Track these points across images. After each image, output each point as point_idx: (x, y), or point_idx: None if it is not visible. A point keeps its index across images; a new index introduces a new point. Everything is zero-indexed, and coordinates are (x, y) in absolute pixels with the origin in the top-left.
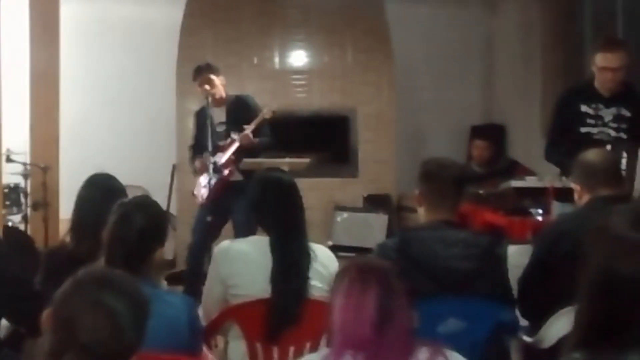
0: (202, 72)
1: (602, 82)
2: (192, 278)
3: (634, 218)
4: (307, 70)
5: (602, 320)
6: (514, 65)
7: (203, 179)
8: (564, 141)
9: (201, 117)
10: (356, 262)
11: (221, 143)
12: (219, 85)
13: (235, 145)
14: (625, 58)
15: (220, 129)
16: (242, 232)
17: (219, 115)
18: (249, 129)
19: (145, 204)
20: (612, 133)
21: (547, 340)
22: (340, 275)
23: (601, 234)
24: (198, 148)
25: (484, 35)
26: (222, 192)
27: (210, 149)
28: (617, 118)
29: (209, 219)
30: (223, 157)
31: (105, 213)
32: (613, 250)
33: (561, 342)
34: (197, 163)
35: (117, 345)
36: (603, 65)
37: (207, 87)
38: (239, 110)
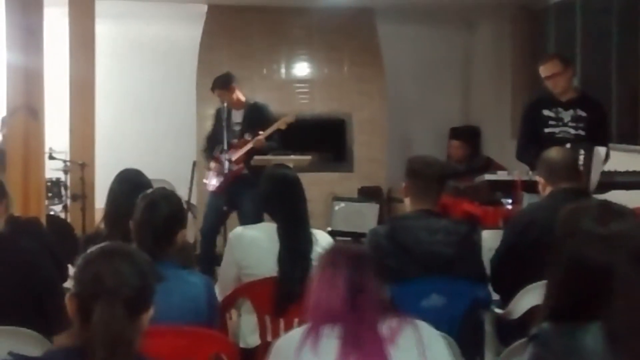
0: (216, 86)
1: (551, 89)
2: (207, 258)
3: (599, 215)
4: (309, 81)
5: (569, 298)
6: (488, 76)
7: (214, 172)
8: (532, 143)
9: (221, 114)
10: (332, 248)
11: (235, 141)
12: (233, 94)
13: (249, 146)
14: (558, 65)
15: (236, 128)
16: (249, 219)
17: (236, 116)
18: (263, 135)
19: (166, 194)
20: (572, 131)
21: (516, 312)
22: (319, 260)
23: (572, 227)
24: (213, 142)
25: (462, 50)
26: (232, 184)
27: (225, 146)
28: (575, 118)
29: (225, 208)
30: (235, 155)
31: (134, 203)
32: (582, 241)
33: (528, 314)
34: (213, 163)
35: (140, 287)
36: (542, 76)
37: (224, 99)
38: (255, 116)
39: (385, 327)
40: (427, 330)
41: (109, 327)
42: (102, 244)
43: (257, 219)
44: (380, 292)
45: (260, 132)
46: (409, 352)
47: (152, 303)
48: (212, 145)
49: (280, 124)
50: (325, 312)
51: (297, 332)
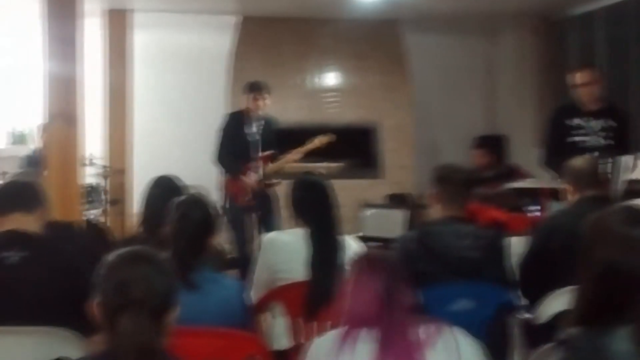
0: (262, 89)
1: (582, 97)
2: (244, 265)
3: (627, 217)
4: (338, 89)
5: (598, 303)
6: (512, 85)
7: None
8: (558, 150)
9: (238, 122)
10: (366, 255)
11: (261, 154)
12: (268, 104)
13: (283, 162)
14: (592, 74)
15: (253, 139)
16: (272, 223)
17: (251, 126)
18: (301, 153)
19: (198, 201)
20: (602, 141)
21: (544, 317)
22: (352, 266)
23: (601, 230)
24: (238, 152)
25: (486, 59)
26: (258, 193)
27: (259, 157)
28: (605, 128)
29: (254, 215)
30: (268, 169)
31: (169, 208)
32: (615, 246)
33: (555, 318)
34: (246, 178)
35: (165, 292)
36: (577, 83)
37: (260, 103)
38: (270, 130)
39: (422, 331)
40: (463, 337)
41: (136, 339)
42: (123, 250)
43: (276, 224)
44: (412, 298)
45: (295, 151)
46: (445, 356)
47: (177, 302)
48: (228, 155)
49: (318, 143)
50: (361, 317)
51: (331, 335)
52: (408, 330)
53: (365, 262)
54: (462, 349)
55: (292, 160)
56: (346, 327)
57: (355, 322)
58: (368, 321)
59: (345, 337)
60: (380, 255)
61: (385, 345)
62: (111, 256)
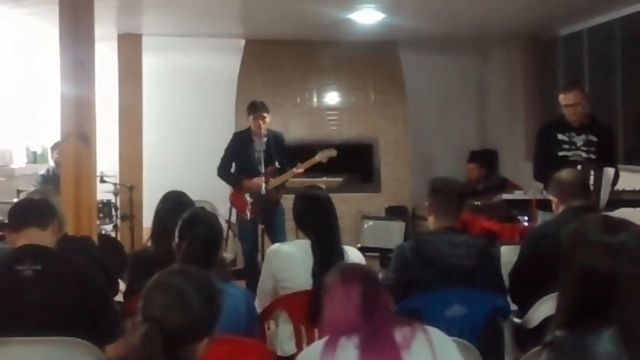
0: (259, 109)
1: (568, 116)
2: (251, 275)
3: (602, 225)
4: (338, 108)
5: (580, 306)
6: (503, 102)
7: (249, 197)
8: (546, 164)
9: (244, 141)
10: (338, 267)
11: (269, 168)
12: (268, 121)
13: (288, 176)
14: (579, 95)
15: (259, 155)
16: (278, 234)
17: (257, 143)
18: (304, 167)
19: (203, 218)
20: (584, 155)
21: (533, 321)
22: (329, 278)
23: (578, 238)
24: (245, 169)
25: (477, 78)
26: (264, 205)
27: (262, 172)
28: (587, 143)
29: (261, 227)
30: (273, 183)
31: (178, 222)
32: (590, 252)
33: (544, 322)
34: (250, 185)
35: (184, 324)
36: (563, 104)
37: (260, 122)
38: (277, 145)
39: (399, 335)
40: (438, 336)
41: (143, 353)
42: (180, 267)
43: (284, 234)
44: (390, 303)
45: (300, 164)
46: (422, 357)
47: (206, 334)
48: (226, 170)
49: (322, 157)
50: (342, 325)
51: (316, 345)
52: (387, 335)
53: (342, 273)
54: (438, 347)
55: (295, 174)
56: (328, 337)
57: (336, 331)
58: (348, 329)
59: (327, 346)
60: (357, 266)
61: (366, 350)
62: (161, 272)
